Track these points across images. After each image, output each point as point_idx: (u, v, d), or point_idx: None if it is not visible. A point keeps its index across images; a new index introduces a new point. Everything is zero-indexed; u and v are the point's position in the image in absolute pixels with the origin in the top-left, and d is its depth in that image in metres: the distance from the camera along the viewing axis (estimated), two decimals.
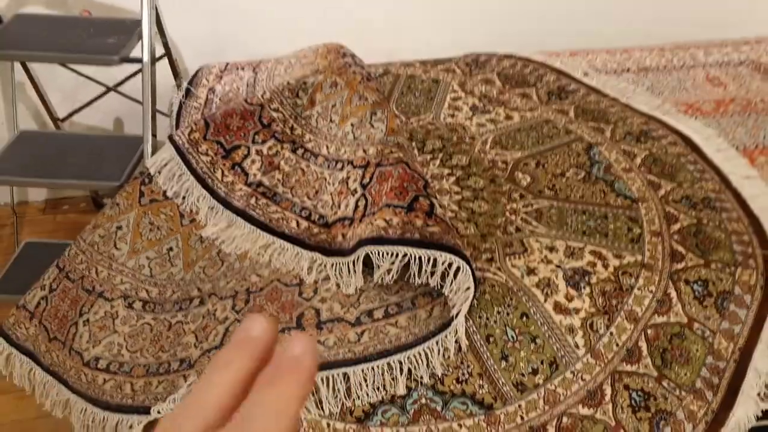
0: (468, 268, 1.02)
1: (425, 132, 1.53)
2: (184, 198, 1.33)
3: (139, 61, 1.39)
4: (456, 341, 1.03)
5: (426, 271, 1.03)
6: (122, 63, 1.38)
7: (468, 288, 1.02)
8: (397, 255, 1.04)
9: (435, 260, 1.02)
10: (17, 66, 1.87)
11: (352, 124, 1.35)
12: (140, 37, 1.48)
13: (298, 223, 1.24)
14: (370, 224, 1.09)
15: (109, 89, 1.68)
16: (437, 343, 1.02)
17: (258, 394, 0.27)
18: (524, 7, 2.21)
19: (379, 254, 1.05)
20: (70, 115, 1.80)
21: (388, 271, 1.05)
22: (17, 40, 1.41)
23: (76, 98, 2.00)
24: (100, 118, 2.04)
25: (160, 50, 1.61)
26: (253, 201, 1.29)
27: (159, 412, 1.03)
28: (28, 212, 2.13)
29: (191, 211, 1.32)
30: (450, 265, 1.02)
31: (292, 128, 1.40)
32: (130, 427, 1.06)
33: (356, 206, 1.19)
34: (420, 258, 1.03)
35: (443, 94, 1.70)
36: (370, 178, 1.20)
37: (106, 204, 2.19)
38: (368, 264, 1.11)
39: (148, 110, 1.38)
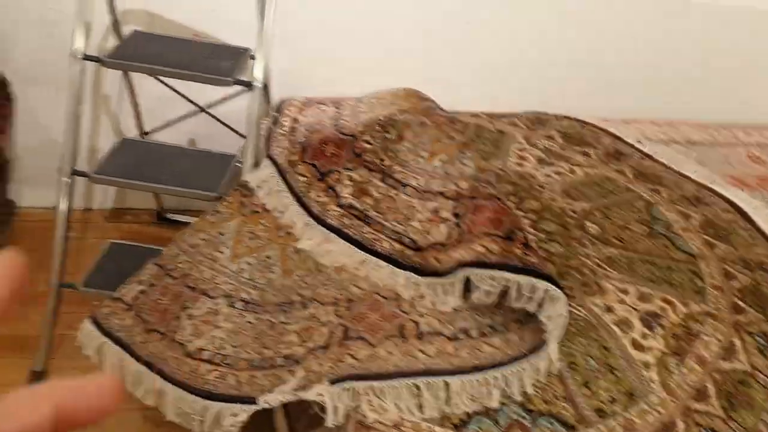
0: (564, 297, 1.12)
1: (497, 176, 1.65)
2: (281, 212, 1.43)
3: (248, 84, 1.51)
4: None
5: (524, 296, 1.13)
6: (235, 84, 1.50)
7: (563, 316, 1.12)
8: (497, 279, 1.14)
9: (534, 287, 1.13)
10: (111, 79, 2.01)
11: (441, 161, 1.46)
12: (244, 65, 1.61)
13: (391, 244, 1.34)
14: (470, 249, 1.20)
15: (202, 109, 1.80)
16: (530, 364, 1.11)
17: None
18: (571, 73, 2.37)
19: (480, 277, 1.15)
20: (158, 129, 1.91)
21: (487, 293, 1.15)
22: (138, 54, 1.53)
23: (154, 114, 2.12)
24: (171, 135, 2.16)
25: None
26: (346, 221, 1.40)
27: (267, 403, 1.11)
28: (92, 218, 2.22)
29: (288, 224, 1.42)
30: (546, 292, 1.12)
31: (381, 159, 1.52)
32: (235, 415, 1.13)
33: (449, 234, 1.29)
34: (519, 284, 1.13)
35: (509, 145, 1.83)
36: (464, 210, 1.31)
37: (169, 218, 2.30)
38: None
39: (253, 129, 1.49)
